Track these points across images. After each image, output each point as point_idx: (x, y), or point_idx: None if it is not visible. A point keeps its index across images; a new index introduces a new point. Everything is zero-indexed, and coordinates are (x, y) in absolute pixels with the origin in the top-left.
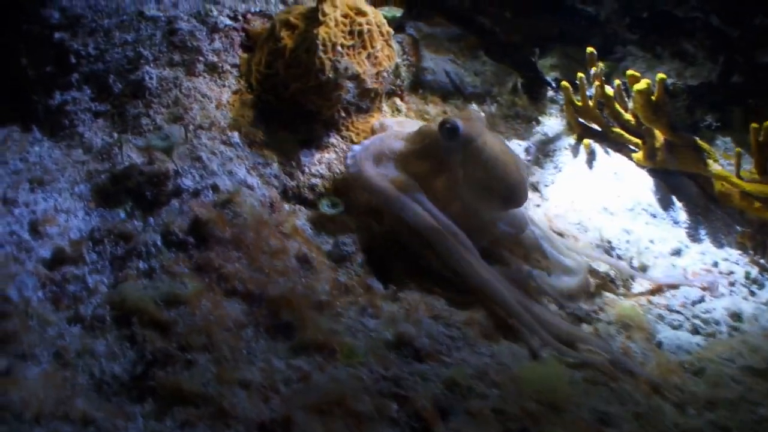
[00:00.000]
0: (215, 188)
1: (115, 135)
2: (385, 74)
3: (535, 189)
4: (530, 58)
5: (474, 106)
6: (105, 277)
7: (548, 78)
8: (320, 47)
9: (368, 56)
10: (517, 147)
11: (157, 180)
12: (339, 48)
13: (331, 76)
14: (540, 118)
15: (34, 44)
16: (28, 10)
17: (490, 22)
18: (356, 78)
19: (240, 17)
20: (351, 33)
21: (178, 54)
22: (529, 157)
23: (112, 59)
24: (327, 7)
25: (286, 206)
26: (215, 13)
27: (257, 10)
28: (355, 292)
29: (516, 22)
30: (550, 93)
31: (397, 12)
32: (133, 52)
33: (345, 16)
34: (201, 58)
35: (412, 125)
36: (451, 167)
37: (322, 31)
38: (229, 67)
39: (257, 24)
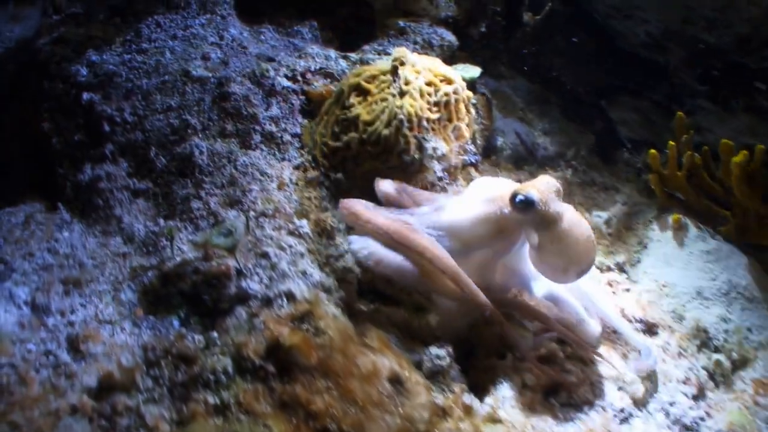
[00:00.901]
0: (290, 296)
1: (161, 221)
2: (466, 146)
3: (621, 269)
4: (604, 114)
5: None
6: (165, 409)
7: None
8: (405, 123)
9: (453, 129)
10: (597, 219)
11: (217, 282)
12: (425, 123)
13: (416, 156)
14: (617, 184)
15: (58, 106)
16: (49, 63)
17: (557, 72)
18: (443, 158)
19: (299, 77)
20: (437, 104)
21: (231, 123)
22: (610, 230)
23: (153, 128)
24: (409, 73)
25: (363, 307)
26: (271, 72)
27: (317, 67)
28: (453, 415)
29: (580, 72)
30: (625, 154)
31: (475, 71)
32: (178, 120)
33: (429, 83)
34: (257, 128)
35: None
36: (512, 237)
37: (407, 103)
38: (289, 138)
39: (318, 85)
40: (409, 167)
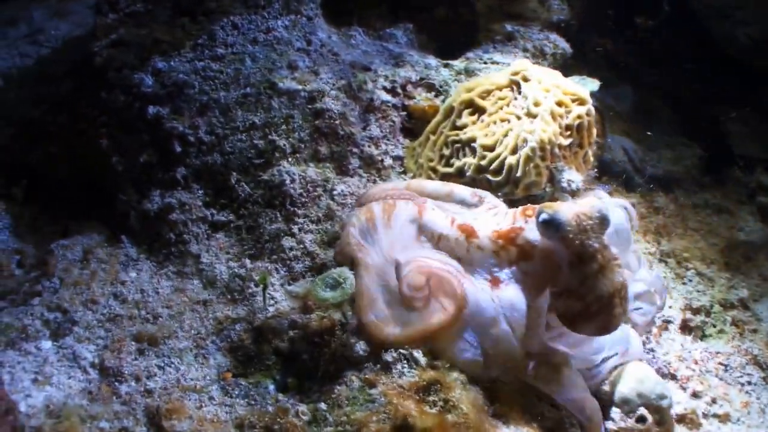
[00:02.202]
0: (412, 360)
1: (247, 262)
2: (590, 173)
3: (745, 306)
4: (713, 126)
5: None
6: None
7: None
8: (538, 152)
9: (584, 156)
10: (713, 247)
11: (320, 339)
12: (557, 150)
13: (548, 190)
14: (730, 206)
15: (119, 120)
16: (108, 70)
17: (664, 80)
18: (576, 191)
19: (399, 89)
20: (569, 128)
21: (325, 144)
22: (728, 260)
23: (234, 149)
24: (537, 91)
25: None
26: (369, 84)
27: (417, 78)
28: None
29: (687, 80)
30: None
31: (594, 85)
32: (263, 141)
33: (560, 104)
34: (355, 150)
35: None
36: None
37: (539, 127)
38: (390, 161)
39: (420, 98)
40: (538, 201)
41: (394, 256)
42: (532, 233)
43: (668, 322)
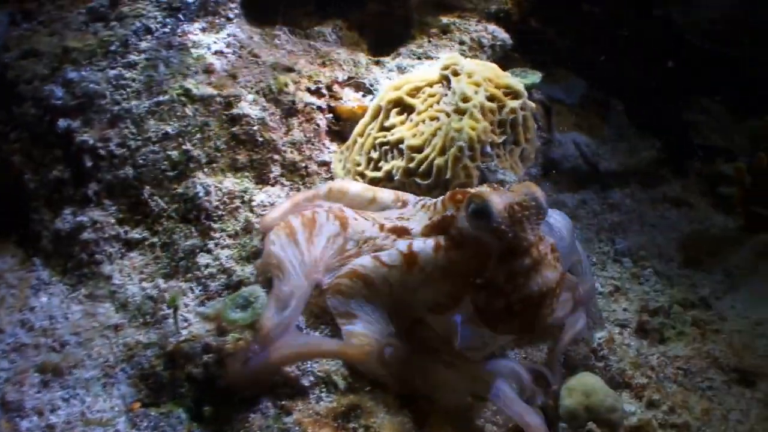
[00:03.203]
0: (330, 384)
1: (161, 282)
2: (531, 170)
3: (707, 305)
4: (672, 118)
5: (615, 194)
6: None
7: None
8: (466, 151)
9: (521, 153)
10: (674, 242)
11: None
12: (488, 149)
13: None
14: (690, 199)
15: (31, 135)
16: (18, 82)
17: (616, 70)
18: None
19: (324, 90)
20: (502, 124)
21: (243, 152)
22: (687, 255)
23: (147, 162)
24: (466, 85)
25: None
26: (291, 86)
27: (345, 77)
28: None
29: (643, 70)
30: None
31: (535, 77)
32: (177, 151)
33: (492, 98)
34: (276, 157)
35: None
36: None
37: (467, 125)
38: (315, 167)
39: (349, 98)
40: None
41: (316, 277)
42: (463, 222)
43: (623, 326)
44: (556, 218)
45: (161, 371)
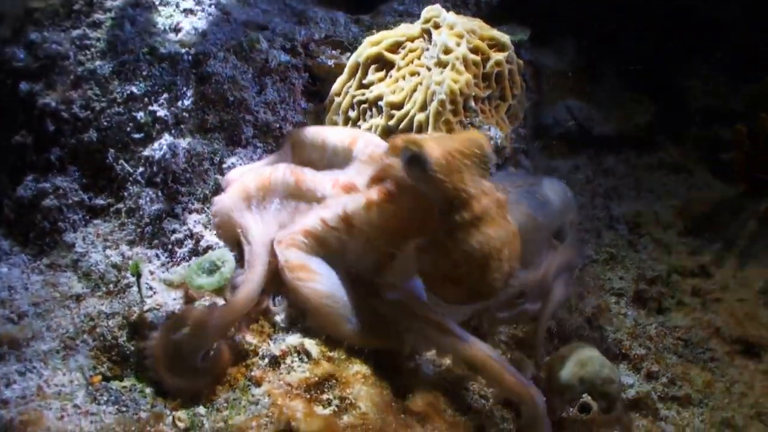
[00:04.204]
0: (304, 352)
1: (125, 249)
2: (520, 130)
3: (707, 273)
4: (667, 82)
5: (609, 159)
6: None
7: None
8: (448, 105)
9: (508, 110)
10: (671, 209)
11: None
12: (472, 103)
13: None
14: (688, 165)
15: None
16: None
17: (610, 32)
18: (498, 150)
19: (300, 48)
20: (486, 78)
21: (213, 113)
22: (687, 224)
23: (111, 124)
24: (448, 37)
25: None
26: (264, 44)
27: (322, 35)
28: None
29: (637, 32)
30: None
31: (523, 34)
32: (143, 112)
33: (475, 50)
34: (248, 117)
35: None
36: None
37: (448, 77)
38: (290, 128)
39: (325, 57)
40: None
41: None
42: (400, 171)
43: (619, 295)
44: (549, 185)
45: (124, 342)
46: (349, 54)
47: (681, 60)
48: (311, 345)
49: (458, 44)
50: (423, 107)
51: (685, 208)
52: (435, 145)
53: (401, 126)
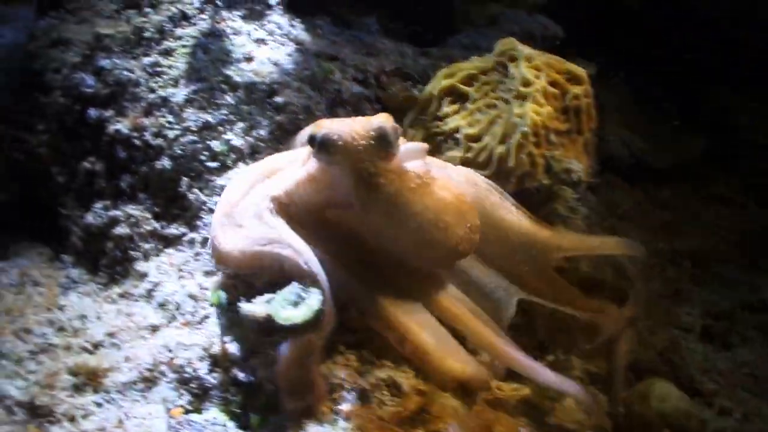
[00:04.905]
0: (394, 385)
1: (201, 280)
2: (594, 165)
3: None
4: (722, 115)
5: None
6: None
7: None
8: (531, 137)
9: (585, 143)
10: (728, 244)
11: None
12: (553, 137)
13: (545, 182)
14: (741, 199)
15: (60, 126)
16: (46, 71)
17: (670, 65)
18: (578, 183)
19: (371, 79)
20: (565, 111)
21: (288, 143)
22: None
23: (185, 152)
24: (526, 70)
25: None
26: (337, 74)
27: (392, 67)
28: None
29: (683, 60)
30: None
31: (591, 68)
32: (219, 141)
33: (553, 83)
34: None
35: None
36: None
37: (529, 110)
38: None
39: (396, 89)
40: (533, 196)
41: None
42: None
43: (687, 330)
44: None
45: (204, 375)
46: (420, 86)
47: (733, 94)
48: (402, 378)
49: (537, 77)
50: (503, 140)
51: (742, 241)
52: (335, 125)
53: (480, 158)
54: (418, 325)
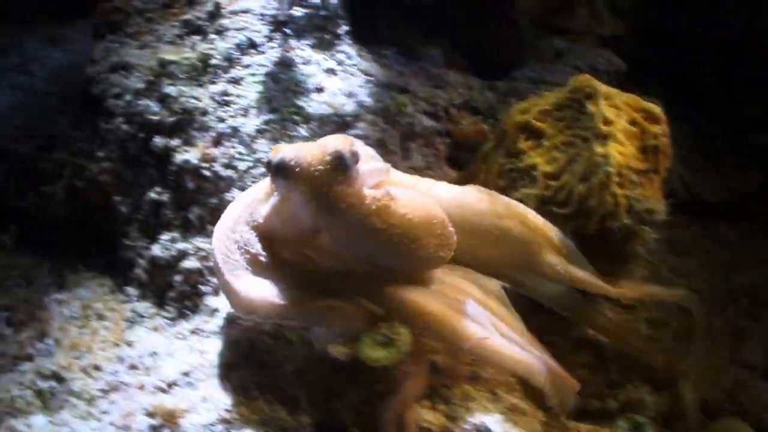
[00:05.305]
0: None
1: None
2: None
3: None
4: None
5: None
6: None
7: None
8: (615, 177)
9: (661, 182)
10: None
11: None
12: (634, 177)
13: (626, 222)
14: None
15: (122, 154)
16: (107, 97)
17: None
18: (656, 222)
19: (441, 113)
20: (644, 150)
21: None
22: None
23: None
24: (606, 108)
25: None
26: (409, 107)
27: (460, 100)
28: None
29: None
30: None
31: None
32: None
33: (633, 122)
34: None
35: None
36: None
37: (613, 150)
38: None
39: (466, 123)
40: (613, 236)
41: None
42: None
43: (752, 368)
44: None
45: (285, 416)
46: (490, 120)
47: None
48: (494, 423)
49: (618, 116)
50: (583, 179)
51: None
52: (288, 151)
53: (559, 197)
54: (428, 297)
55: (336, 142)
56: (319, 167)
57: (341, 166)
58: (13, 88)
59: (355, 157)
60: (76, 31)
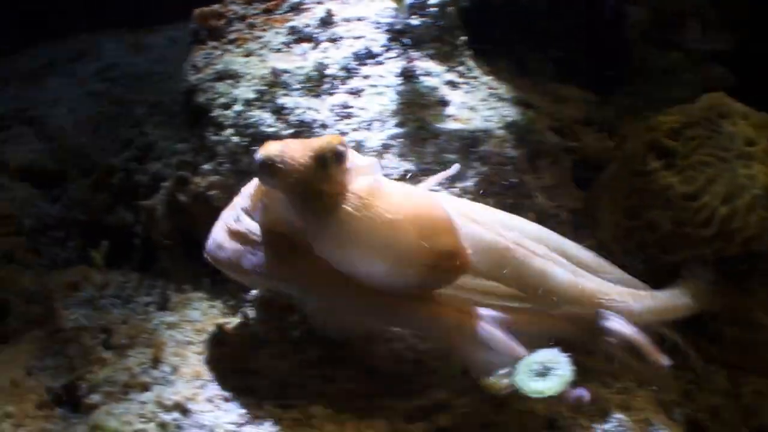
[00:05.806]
0: None
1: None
2: None
3: None
4: None
5: None
6: None
7: None
8: (762, 200)
9: None
10: None
11: None
12: None
13: (764, 249)
14: None
15: (232, 168)
16: (212, 107)
17: None
18: None
19: (566, 129)
20: None
21: (493, 195)
22: None
23: None
24: (747, 128)
25: None
26: (537, 124)
27: (581, 116)
28: None
29: None
30: None
31: None
32: None
33: None
34: (527, 203)
35: None
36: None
37: (760, 172)
38: (565, 215)
39: (590, 139)
40: (756, 260)
41: None
42: None
43: None
44: None
45: None
46: (613, 136)
47: None
48: None
49: (759, 135)
50: (726, 200)
51: None
52: (273, 148)
53: (697, 218)
54: None
55: (321, 141)
56: (302, 165)
57: (325, 163)
58: (96, 96)
59: (340, 156)
60: (156, 38)
